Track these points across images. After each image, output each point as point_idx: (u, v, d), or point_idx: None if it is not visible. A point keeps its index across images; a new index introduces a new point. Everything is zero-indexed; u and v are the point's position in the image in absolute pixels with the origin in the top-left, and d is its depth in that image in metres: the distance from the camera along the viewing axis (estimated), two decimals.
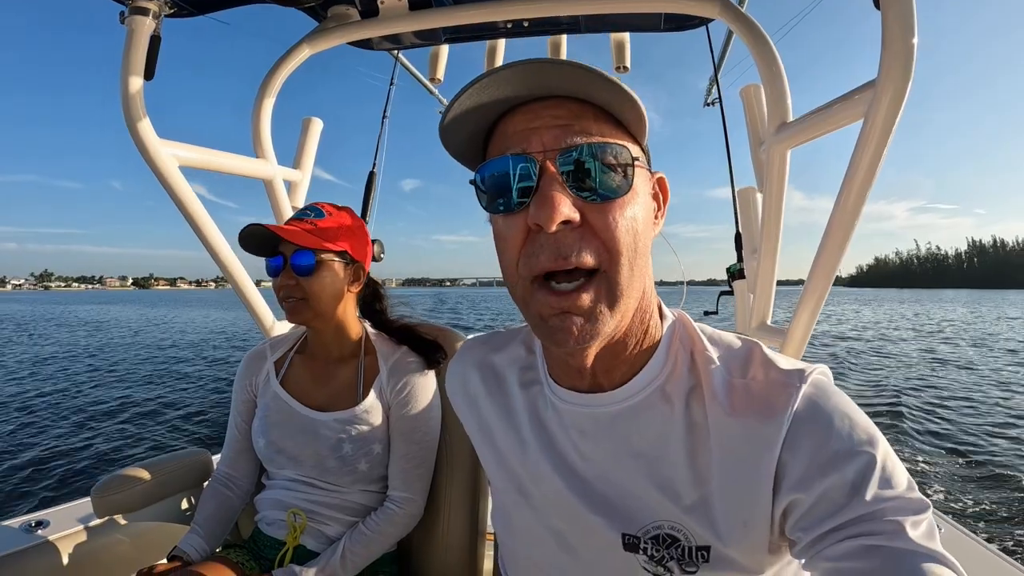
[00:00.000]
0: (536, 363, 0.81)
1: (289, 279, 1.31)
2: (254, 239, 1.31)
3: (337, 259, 1.37)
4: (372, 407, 1.36)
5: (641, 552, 0.66)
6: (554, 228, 0.57)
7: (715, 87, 3.26)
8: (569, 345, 0.60)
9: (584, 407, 0.71)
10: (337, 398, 1.39)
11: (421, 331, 1.50)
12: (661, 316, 0.73)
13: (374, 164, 2.88)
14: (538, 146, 0.59)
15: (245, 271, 1.81)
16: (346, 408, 1.36)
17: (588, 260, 0.58)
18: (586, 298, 0.59)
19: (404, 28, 1.89)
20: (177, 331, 29.08)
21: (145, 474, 1.51)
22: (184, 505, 1.63)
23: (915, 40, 1.02)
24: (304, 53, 1.89)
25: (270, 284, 1.40)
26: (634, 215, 0.60)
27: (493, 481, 0.86)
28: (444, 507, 1.48)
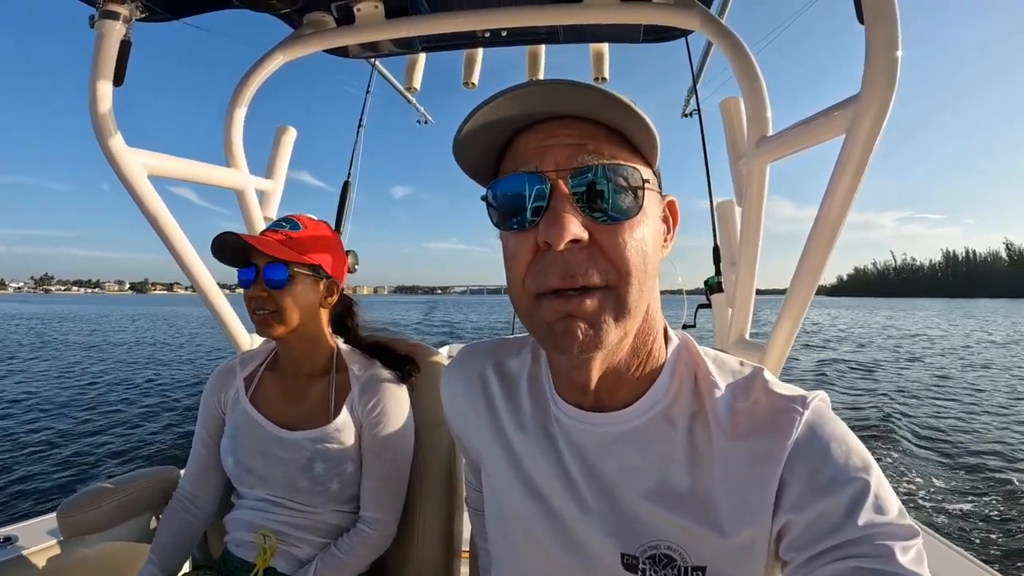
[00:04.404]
0: (542, 375, 0.81)
1: (260, 291, 1.27)
2: (226, 248, 1.27)
3: (311, 273, 1.33)
4: (344, 425, 1.32)
5: (639, 572, 0.66)
6: (563, 247, 0.57)
7: (693, 99, 3.29)
8: (573, 351, 0.59)
9: (589, 425, 0.71)
10: (308, 416, 1.34)
11: (394, 346, 1.47)
12: (667, 339, 0.73)
13: (349, 173, 2.85)
14: (551, 165, 0.60)
15: (216, 284, 1.76)
16: (317, 426, 1.32)
17: (595, 279, 0.59)
18: (591, 303, 0.59)
19: (380, 36, 1.86)
20: (154, 338, 28.46)
21: (112, 493, 1.46)
22: (153, 524, 1.58)
23: (899, 53, 1.02)
24: (278, 60, 1.85)
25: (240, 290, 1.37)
26: (643, 237, 0.61)
27: (488, 492, 0.84)
28: (418, 524, 1.44)
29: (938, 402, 11.84)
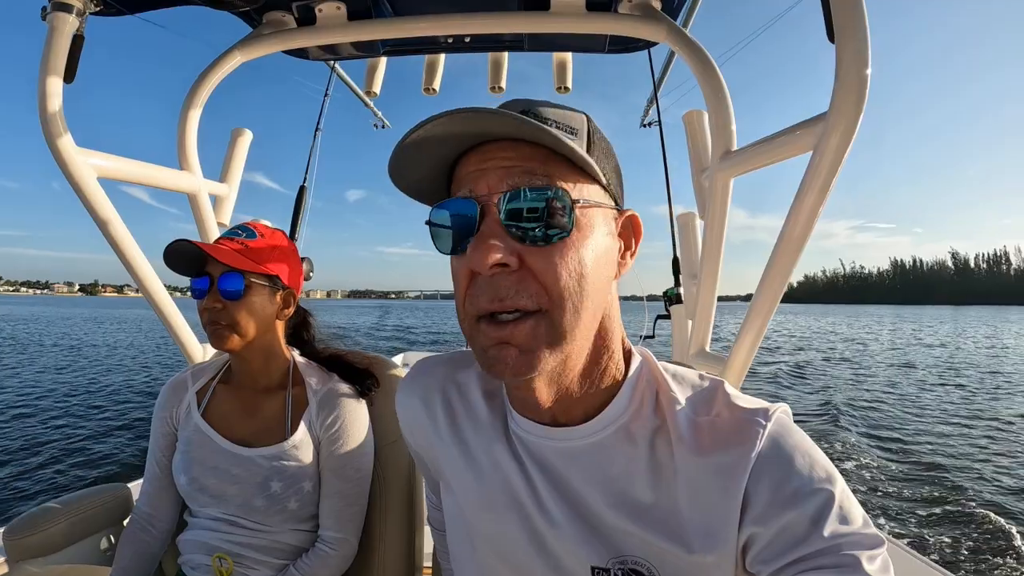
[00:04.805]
0: (500, 388, 0.80)
1: (215, 302, 1.21)
2: (180, 257, 1.21)
3: (267, 284, 1.28)
4: (301, 442, 1.27)
5: None
6: (489, 272, 0.58)
7: (653, 108, 3.33)
8: (506, 376, 0.60)
9: (547, 440, 0.70)
10: (264, 432, 1.29)
11: (352, 359, 1.43)
12: (628, 356, 0.72)
13: (305, 178, 2.79)
14: (483, 188, 0.60)
15: (167, 292, 1.69)
16: (274, 443, 1.26)
17: (525, 303, 0.58)
18: (523, 330, 0.58)
19: (342, 39, 1.82)
20: (101, 341, 27.29)
21: (61, 513, 1.39)
22: (104, 544, 1.50)
23: (868, 71, 1.04)
24: (235, 60, 1.79)
25: (188, 294, 1.30)
26: (579, 258, 0.59)
27: (450, 508, 0.82)
28: (378, 542, 1.40)
29: (875, 404, 12.86)
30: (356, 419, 1.32)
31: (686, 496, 0.64)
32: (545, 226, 0.58)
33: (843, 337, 37.14)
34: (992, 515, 6.02)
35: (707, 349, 1.83)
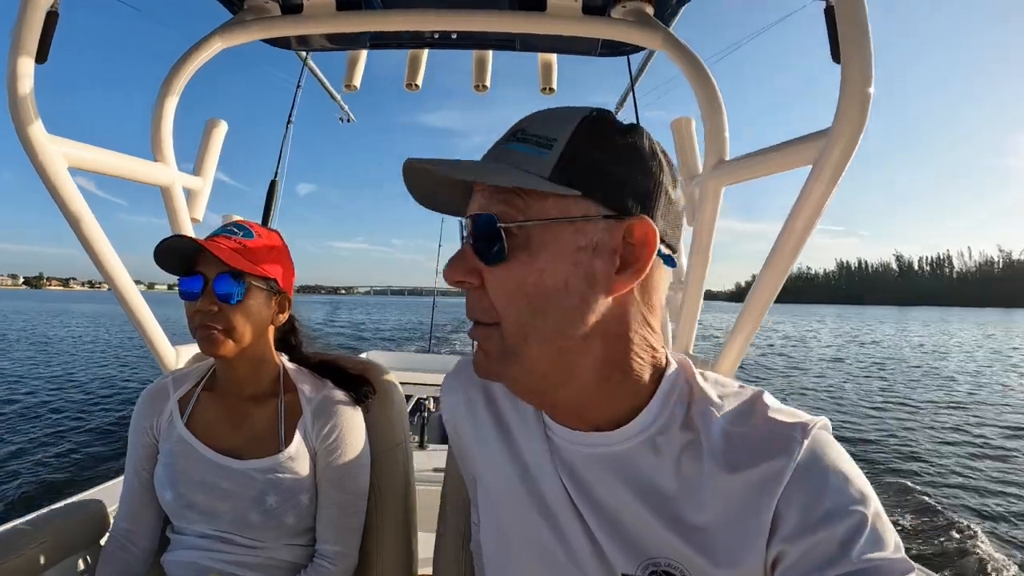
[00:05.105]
0: None
1: (210, 305, 1.13)
2: (174, 254, 1.13)
3: (265, 287, 1.21)
4: (298, 453, 1.20)
5: None
6: (453, 286, 0.66)
7: (623, 110, 3.34)
8: (479, 374, 0.68)
9: (574, 444, 0.72)
10: (256, 443, 1.21)
11: (344, 364, 1.36)
12: (661, 364, 0.71)
13: (276, 172, 2.70)
14: (470, 211, 0.66)
15: (139, 292, 1.58)
16: (268, 455, 1.19)
17: (481, 317, 0.65)
18: (482, 336, 0.66)
19: (329, 29, 1.76)
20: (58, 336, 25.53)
21: (32, 535, 1.24)
22: (80, 566, 1.35)
23: (871, 90, 1.08)
24: (216, 46, 1.70)
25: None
26: (521, 278, 0.62)
27: (485, 507, 0.84)
28: (375, 553, 1.35)
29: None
30: (353, 428, 1.26)
31: (714, 510, 0.63)
32: (492, 248, 0.62)
33: (783, 335, 39.18)
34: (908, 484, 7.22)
35: (691, 351, 1.86)
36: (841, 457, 0.62)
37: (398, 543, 1.37)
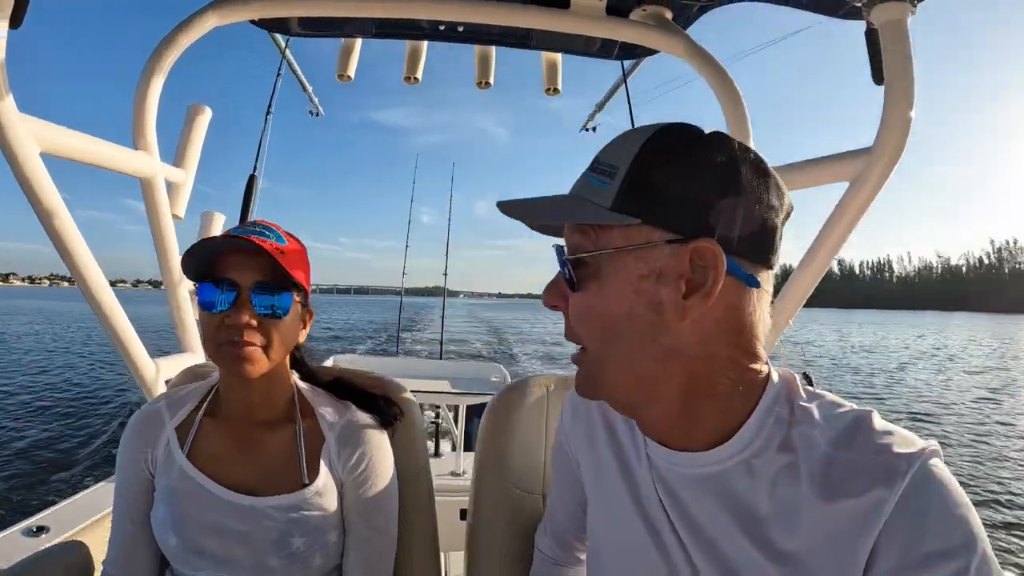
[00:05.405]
0: None
1: (249, 318, 0.97)
2: (203, 255, 0.98)
3: (302, 300, 1.07)
4: (325, 488, 1.05)
5: None
6: (548, 308, 0.71)
7: (599, 114, 3.31)
8: (578, 392, 0.73)
9: (672, 464, 0.72)
10: (273, 477, 1.05)
11: (360, 383, 1.21)
12: (752, 383, 0.67)
13: (255, 167, 2.55)
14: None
15: (115, 295, 1.41)
16: (290, 490, 1.03)
17: (572, 340, 0.70)
18: (577, 358, 0.71)
19: (332, 11, 1.62)
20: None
21: None
22: None
23: (912, 113, 1.11)
24: (210, 23, 1.53)
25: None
26: (589, 306, 0.66)
27: (593, 521, 0.86)
28: None
29: None
30: (383, 456, 1.12)
31: (809, 537, 0.60)
32: (569, 278, 0.67)
33: None
34: None
35: None
36: (949, 492, 0.57)
37: (425, 568, 1.23)
